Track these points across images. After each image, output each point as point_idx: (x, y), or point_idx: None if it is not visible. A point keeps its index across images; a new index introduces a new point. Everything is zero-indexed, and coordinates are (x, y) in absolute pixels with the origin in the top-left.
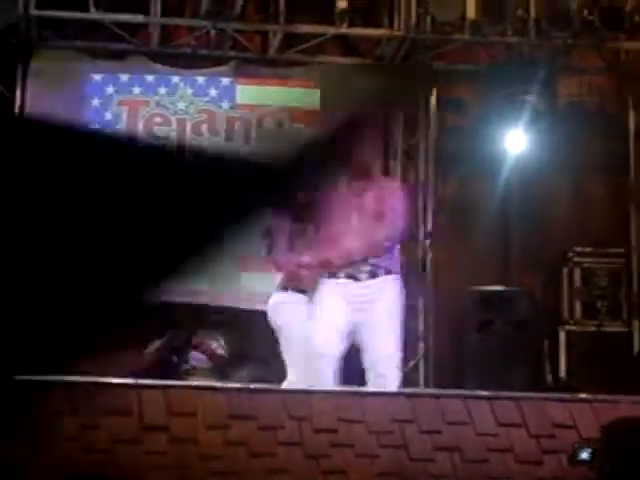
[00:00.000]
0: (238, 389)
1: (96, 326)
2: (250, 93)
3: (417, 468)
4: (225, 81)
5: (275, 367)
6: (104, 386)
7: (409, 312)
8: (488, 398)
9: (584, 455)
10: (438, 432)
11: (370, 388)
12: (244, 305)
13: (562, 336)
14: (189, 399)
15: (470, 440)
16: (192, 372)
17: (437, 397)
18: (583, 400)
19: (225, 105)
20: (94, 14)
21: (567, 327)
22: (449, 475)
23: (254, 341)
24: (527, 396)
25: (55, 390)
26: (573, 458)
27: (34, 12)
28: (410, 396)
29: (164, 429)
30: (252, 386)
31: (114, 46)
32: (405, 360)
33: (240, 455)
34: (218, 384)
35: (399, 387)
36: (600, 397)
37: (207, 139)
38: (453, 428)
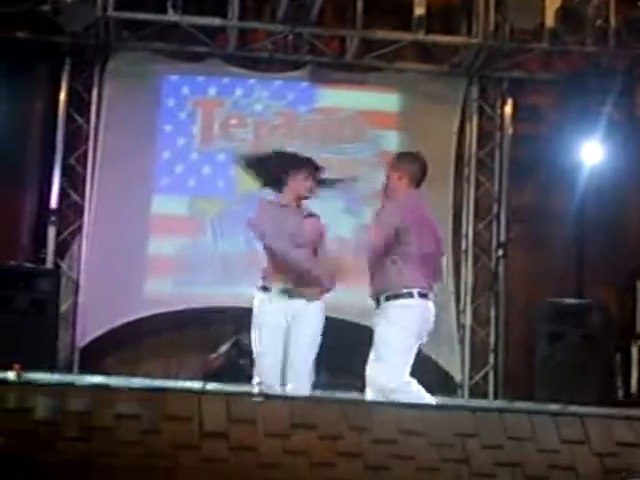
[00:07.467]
0: (299, 397)
1: None
2: (329, 96)
3: None
4: (303, 84)
5: (344, 374)
6: (165, 391)
7: (480, 323)
8: (552, 414)
9: None
10: (500, 447)
11: (432, 401)
12: None
13: (635, 351)
14: (250, 407)
15: (532, 456)
16: None
17: (501, 411)
18: None
19: (302, 108)
20: (172, 16)
21: None
22: None
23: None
24: (592, 413)
25: (118, 394)
26: None
27: (112, 13)
28: (474, 410)
29: (224, 436)
30: (312, 395)
31: (191, 48)
32: (475, 370)
33: (299, 465)
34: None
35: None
36: None
37: (283, 142)
38: (515, 444)
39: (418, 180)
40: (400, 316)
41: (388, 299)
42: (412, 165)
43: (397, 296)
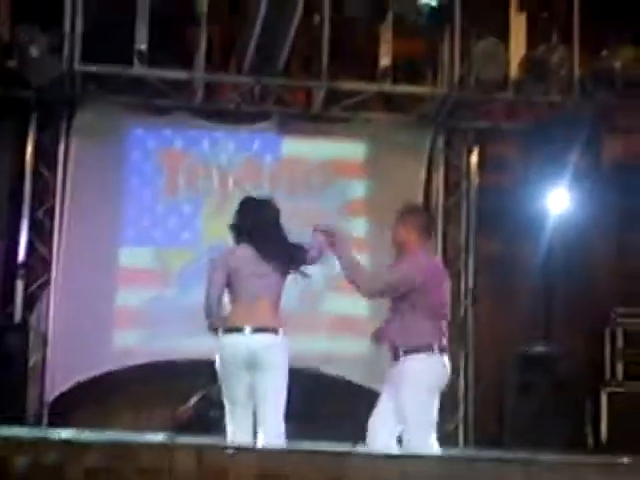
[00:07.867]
0: (270, 449)
1: None
2: (295, 146)
3: None
4: (269, 134)
5: (312, 425)
6: (135, 444)
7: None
8: (523, 462)
9: None
10: None
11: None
12: None
13: (604, 398)
14: (221, 458)
15: None
16: None
17: (472, 460)
18: (620, 464)
19: (269, 157)
20: (138, 70)
21: (609, 388)
22: None
23: (296, 398)
24: (562, 461)
25: (88, 448)
26: None
27: (78, 67)
28: (446, 460)
29: None
30: (283, 446)
31: (158, 102)
32: (445, 420)
33: None
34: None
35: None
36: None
37: (250, 192)
38: None
39: (427, 231)
40: (423, 374)
41: (407, 353)
42: (417, 217)
43: (418, 350)
